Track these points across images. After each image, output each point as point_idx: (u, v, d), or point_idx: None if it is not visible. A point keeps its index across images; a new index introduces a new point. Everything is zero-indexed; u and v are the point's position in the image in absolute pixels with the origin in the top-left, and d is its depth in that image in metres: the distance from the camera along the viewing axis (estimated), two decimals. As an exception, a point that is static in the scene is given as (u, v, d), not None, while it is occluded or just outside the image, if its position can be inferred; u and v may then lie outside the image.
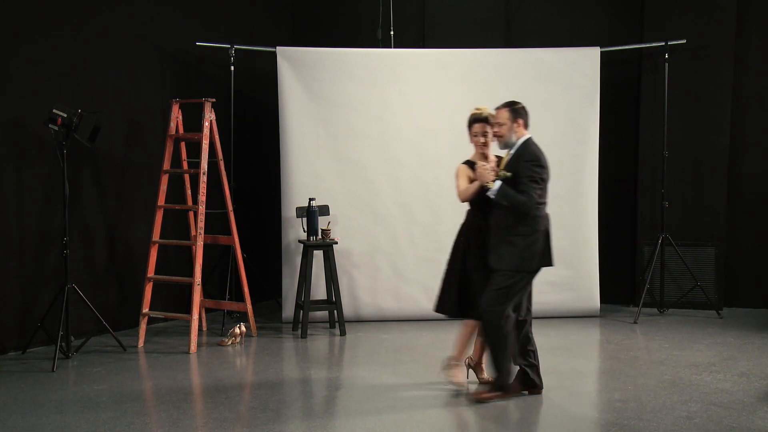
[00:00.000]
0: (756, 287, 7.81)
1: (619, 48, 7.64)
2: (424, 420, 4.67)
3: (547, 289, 7.42)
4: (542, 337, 6.67)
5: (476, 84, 7.27)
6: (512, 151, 4.95)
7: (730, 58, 7.61)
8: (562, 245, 7.40)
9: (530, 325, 5.12)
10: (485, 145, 5.15)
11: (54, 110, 5.77)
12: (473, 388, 5.20)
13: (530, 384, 5.08)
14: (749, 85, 7.74)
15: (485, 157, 5.15)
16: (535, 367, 5.09)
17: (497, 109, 5.03)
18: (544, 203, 4.95)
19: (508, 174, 4.80)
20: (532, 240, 4.85)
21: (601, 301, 7.54)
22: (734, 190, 7.77)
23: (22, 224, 6.17)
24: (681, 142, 7.71)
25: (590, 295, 7.47)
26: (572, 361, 5.94)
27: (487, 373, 5.25)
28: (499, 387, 4.96)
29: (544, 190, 4.90)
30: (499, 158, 5.15)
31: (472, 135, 5.17)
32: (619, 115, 7.91)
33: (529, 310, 5.11)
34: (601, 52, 7.42)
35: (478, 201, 5.03)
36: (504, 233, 4.88)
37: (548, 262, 4.97)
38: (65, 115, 5.76)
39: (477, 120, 5.15)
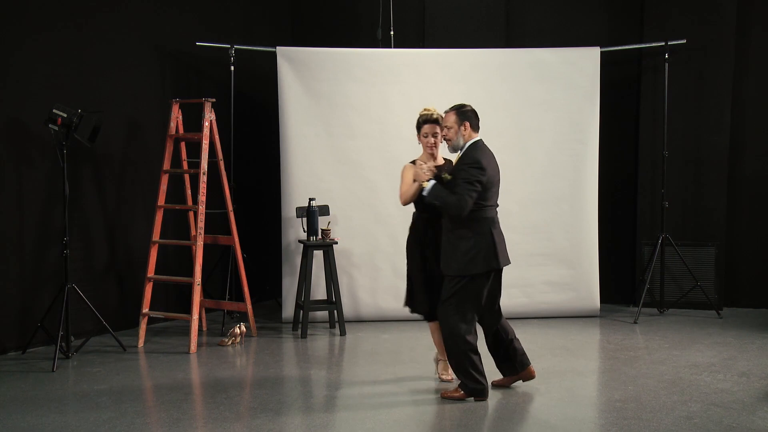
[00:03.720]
0: (756, 287, 7.80)
1: (619, 48, 7.64)
2: (424, 420, 4.67)
3: (547, 289, 7.47)
4: (542, 337, 6.70)
5: (476, 84, 7.26)
6: (460, 154, 4.97)
7: (730, 58, 7.61)
8: (562, 245, 7.46)
9: (499, 321, 5.13)
10: (434, 146, 5.15)
11: (54, 110, 5.77)
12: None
13: (519, 368, 5.15)
14: (749, 85, 7.74)
15: (434, 159, 5.17)
16: (515, 355, 5.13)
17: (446, 112, 5.04)
18: (491, 205, 4.90)
19: (449, 177, 4.79)
20: (474, 243, 4.80)
21: (601, 301, 7.54)
22: (734, 190, 7.77)
23: (22, 224, 6.17)
24: (681, 142, 7.70)
25: (590, 295, 7.47)
26: (572, 361, 5.94)
27: (451, 374, 5.31)
28: (469, 392, 4.94)
29: (488, 191, 4.83)
30: (450, 162, 5.20)
31: (422, 135, 5.16)
32: (619, 115, 7.91)
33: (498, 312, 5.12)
34: (601, 52, 7.42)
35: (427, 203, 4.97)
36: (449, 236, 4.91)
37: (496, 264, 4.87)
38: (65, 115, 5.76)
39: (427, 121, 5.13)
